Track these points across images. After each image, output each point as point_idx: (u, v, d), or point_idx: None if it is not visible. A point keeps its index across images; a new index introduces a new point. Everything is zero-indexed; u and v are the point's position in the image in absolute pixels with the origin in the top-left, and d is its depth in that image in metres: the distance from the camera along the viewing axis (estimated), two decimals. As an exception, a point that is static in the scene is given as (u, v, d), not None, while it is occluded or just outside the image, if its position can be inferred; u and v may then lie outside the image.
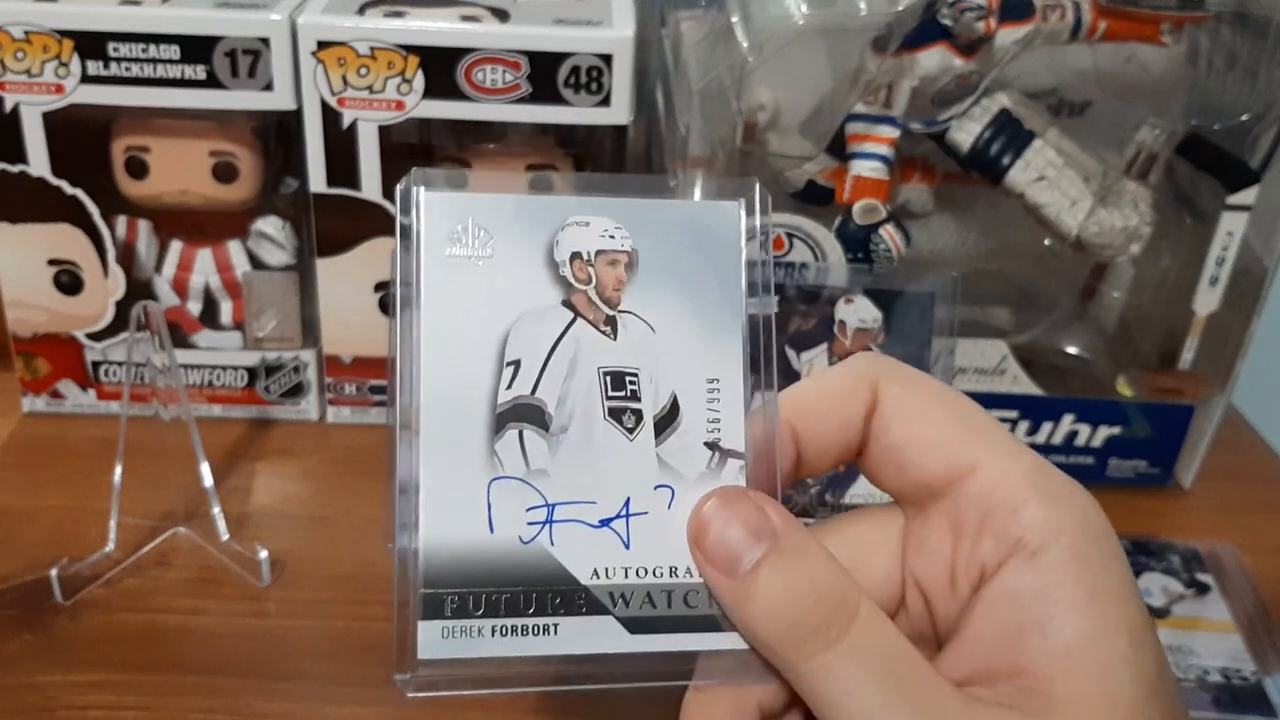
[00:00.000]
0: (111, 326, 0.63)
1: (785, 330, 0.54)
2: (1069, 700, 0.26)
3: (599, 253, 0.32)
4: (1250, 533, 0.60)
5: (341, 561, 0.55)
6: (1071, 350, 0.66)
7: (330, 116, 0.58)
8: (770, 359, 0.32)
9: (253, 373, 0.65)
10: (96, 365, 0.64)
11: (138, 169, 0.60)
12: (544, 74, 0.56)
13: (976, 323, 0.65)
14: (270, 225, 0.63)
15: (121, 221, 0.62)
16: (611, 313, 0.32)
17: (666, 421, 0.31)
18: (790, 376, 0.54)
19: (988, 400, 0.60)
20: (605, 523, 0.31)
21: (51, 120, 0.58)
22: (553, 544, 0.30)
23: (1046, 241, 0.62)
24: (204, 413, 0.65)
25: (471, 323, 0.31)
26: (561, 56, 0.56)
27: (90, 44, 0.56)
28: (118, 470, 0.52)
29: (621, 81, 0.56)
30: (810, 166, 0.59)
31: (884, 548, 0.31)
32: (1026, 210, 0.58)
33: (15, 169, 0.59)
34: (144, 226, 0.63)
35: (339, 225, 0.61)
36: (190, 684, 0.48)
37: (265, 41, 0.56)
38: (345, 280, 0.62)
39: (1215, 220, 0.58)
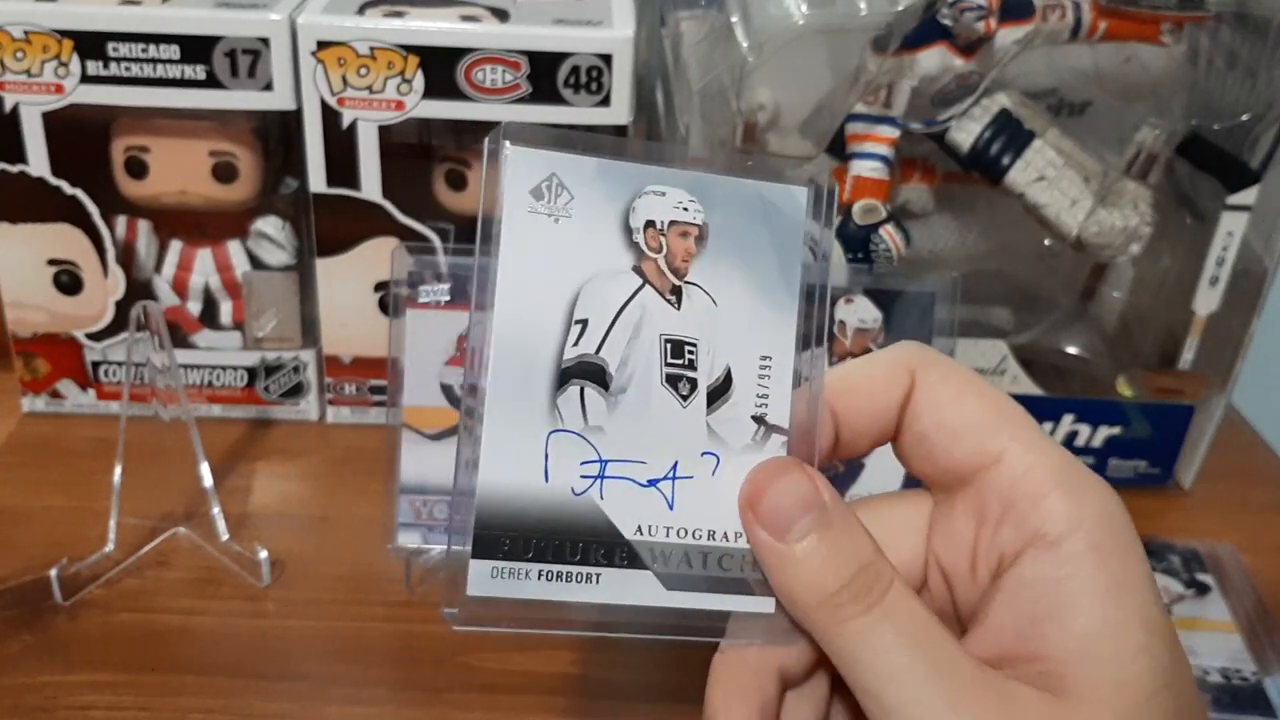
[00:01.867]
0: (111, 326, 0.63)
1: (785, 330, 0.54)
2: (1083, 688, 0.26)
3: (672, 223, 0.32)
4: (1250, 533, 0.60)
5: (341, 561, 0.55)
6: (1071, 350, 0.66)
7: (330, 116, 0.58)
8: (823, 338, 0.33)
9: (252, 373, 0.65)
10: (96, 365, 0.64)
11: (137, 169, 0.60)
12: (544, 74, 0.56)
13: (976, 323, 0.65)
14: (270, 225, 0.63)
15: (121, 221, 0.62)
16: (678, 283, 0.32)
17: (719, 392, 0.33)
18: (790, 376, 0.54)
19: (988, 400, 0.61)
20: (653, 483, 0.32)
21: (51, 120, 0.58)
22: (602, 498, 0.31)
23: (1046, 241, 0.62)
24: (204, 413, 0.65)
25: (545, 278, 0.31)
26: (561, 56, 0.56)
27: (90, 44, 0.56)
28: (117, 470, 0.52)
29: (621, 81, 0.56)
30: (810, 166, 0.59)
31: (911, 530, 0.32)
32: (1026, 210, 0.58)
33: (15, 169, 0.59)
34: (144, 226, 0.63)
35: (339, 225, 0.61)
36: (190, 684, 0.48)
37: (265, 41, 0.56)
38: (345, 280, 0.62)
39: (1215, 220, 0.58)
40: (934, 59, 0.54)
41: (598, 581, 0.32)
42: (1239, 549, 0.58)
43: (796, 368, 0.33)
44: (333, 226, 0.61)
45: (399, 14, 0.57)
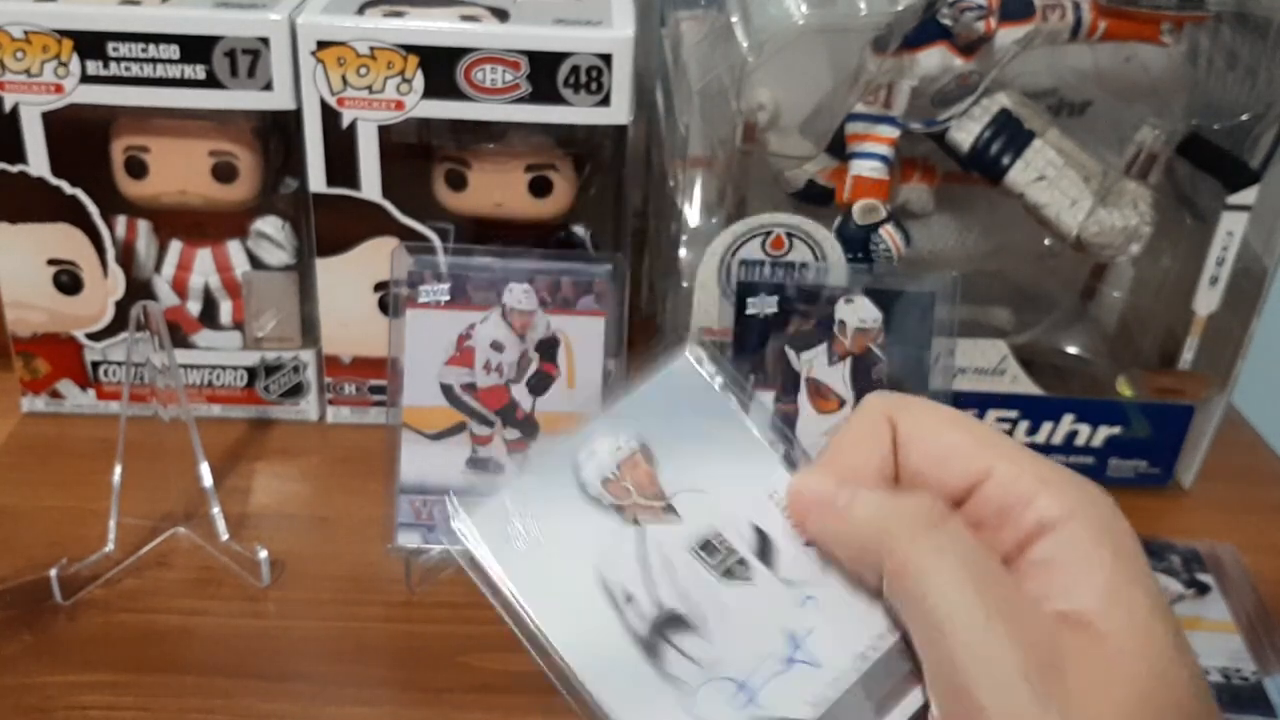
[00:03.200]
0: (111, 326, 0.63)
1: (785, 330, 0.54)
2: (1112, 634, 0.29)
3: (619, 465, 0.34)
4: (1250, 533, 0.60)
5: (341, 561, 0.55)
6: (1071, 350, 0.66)
7: (330, 116, 0.58)
8: (796, 455, 0.35)
9: (252, 373, 0.65)
10: (96, 365, 0.64)
11: (137, 169, 0.60)
12: (544, 74, 0.56)
13: (976, 323, 0.65)
14: (270, 225, 0.62)
15: (121, 221, 0.62)
16: (664, 501, 0.34)
17: (765, 550, 0.34)
18: (790, 376, 0.54)
19: (988, 400, 0.61)
20: (791, 661, 0.33)
21: (51, 120, 0.58)
22: (764, 709, 0.32)
23: (1046, 241, 0.62)
24: (204, 413, 0.65)
25: (567, 590, 0.33)
26: (561, 56, 0.56)
27: (90, 44, 0.56)
28: (117, 470, 0.52)
29: (621, 81, 0.56)
30: (810, 166, 0.59)
31: None
32: (1026, 210, 0.58)
33: (15, 169, 0.59)
34: (144, 226, 0.63)
35: (339, 225, 0.61)
36: (190, 684, 0.48)
37: (265, 41, 0.56)
38: (345, 280, 0.62)
39: (1215, 220, 0.58)
40: (934, 59, 0.54)
41: None
42: (1239, 549, 0.58)
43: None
44: (333, 226, 0.61)
45: (399, 14, 0.57)
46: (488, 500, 0.33)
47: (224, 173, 0.60)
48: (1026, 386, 0.61)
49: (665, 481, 0.34)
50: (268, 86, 0.57)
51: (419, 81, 0.56)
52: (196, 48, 0.56)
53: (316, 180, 0.59)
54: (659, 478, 0.34)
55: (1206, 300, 0.60)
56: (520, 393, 0.54)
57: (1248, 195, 0.57)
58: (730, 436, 0.35)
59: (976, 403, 0.61)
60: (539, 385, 0.54)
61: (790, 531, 0.34)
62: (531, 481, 0.34)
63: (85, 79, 0.57)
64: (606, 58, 0.56)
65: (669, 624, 0.33)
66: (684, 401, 0.35)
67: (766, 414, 0.35)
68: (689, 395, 0.35)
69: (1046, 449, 0.62)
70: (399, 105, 0.57)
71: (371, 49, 0.56)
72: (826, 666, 0.33)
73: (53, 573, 0.52)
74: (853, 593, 0.33)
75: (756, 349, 0.54)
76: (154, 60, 0.56)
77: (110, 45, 0.56)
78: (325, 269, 0.62)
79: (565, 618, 0.32)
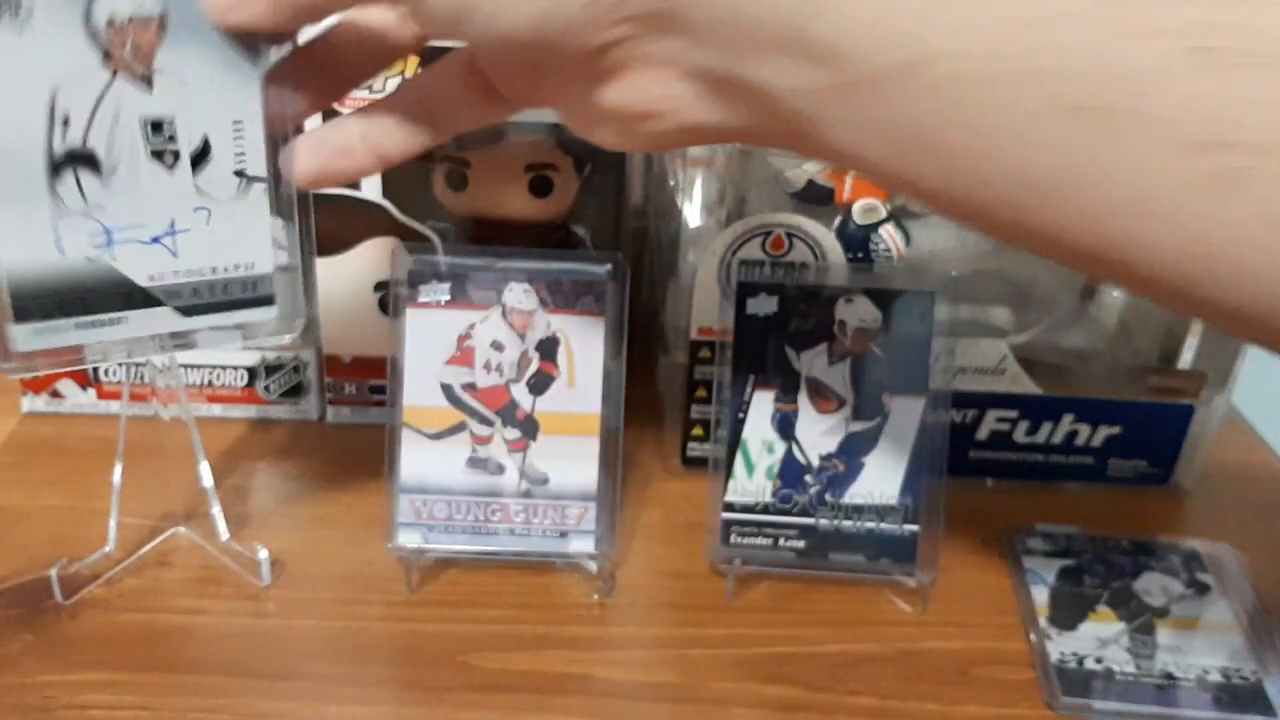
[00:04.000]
0: (111, 326, 0.63)
1: (785, 330, 0.54)
2: None
3: (132, 18, 0.38)
4: (1250, 533, 0.60)
5: (341, 561, 0.55)
6: (1071, 350, 0.66)
7: (330, 116, 0.57)
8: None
9: (252, 372, 0.65)
10: (96, 365, 0.64)
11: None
12: (544, 74, 0.56)
13: (976, 323, 0.65)
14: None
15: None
16: (148, 70, 0.39)
17: (200, 157, 0.40)
18: (790, 376, 0.54)
19: (988, 400, 0.61)
20: (156, 239, 0.41)
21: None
22: (114, 260, 0.40)
23: (1046, 241, 0.62)
24: (204, 412, 0.65)
25: (21, 86, 0.37)
26: (561, 56, 0.56)
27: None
28: (117, 470, 0.52)
29: (621, 81, 0.56)
30: (810, 166, 0.59)
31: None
32: (1026, 210, 0.57)
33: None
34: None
35: (339, 225, 0.61)
36: (190, 684, 0.48)
37: (265, 41, 0.56)
38: (345, 280, 0.62)
39: (1215, 220, 0.58)
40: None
41: (125, 322, 0.41)
42: (1239, 549, 0.58)
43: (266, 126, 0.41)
44: (333, 226, 0.61)
45: (399, 14, 0.57)
46: None
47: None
48: (1026, 386, 0.61)
49: (160, 57, 0.38)
50: (268, 86, 0.57)
51: (419, 81, 0.56)
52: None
53: (317, 180, 0.59)
54: (157, 50, 0.38)
55: (1206, 300, 0.60)
56: (520, 392, 0.54)
57: (1248, 195, 0.57)
58: (237, 57, 0.39)
59: (976, 403, 0.61)
60: (539, 385, 0.54)
61: (226, 160, 0.41)
62: None
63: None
64: (607, 57, 0.56)
65: (82, 159, 0.39)
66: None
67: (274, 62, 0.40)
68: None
69: (1046, 449, 0.62)
70: (399, 105, 0.57)
71: (372, 49, 0.56)
72: (180, 260, 0.41)
73: (53, 572, 0.52)
74: (241, 222, 0.42)
75: (756, 349, 0.54)
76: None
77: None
78: (325, 269, 0.62)
79: (6, 107, 0.37)
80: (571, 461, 0.54)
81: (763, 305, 0.54)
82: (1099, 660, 0.51)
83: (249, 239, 0.43)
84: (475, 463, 0.54)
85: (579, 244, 0.64)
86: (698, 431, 0.62)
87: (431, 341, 0.54)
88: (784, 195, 0.60)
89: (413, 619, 0.52)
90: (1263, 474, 0.67)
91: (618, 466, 0.55)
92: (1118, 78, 0.23)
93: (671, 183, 0.63)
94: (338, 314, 0.63)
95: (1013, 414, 0.61)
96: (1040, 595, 0.55)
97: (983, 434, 0.62)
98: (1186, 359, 0.61)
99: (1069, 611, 0.54)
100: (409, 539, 0.54)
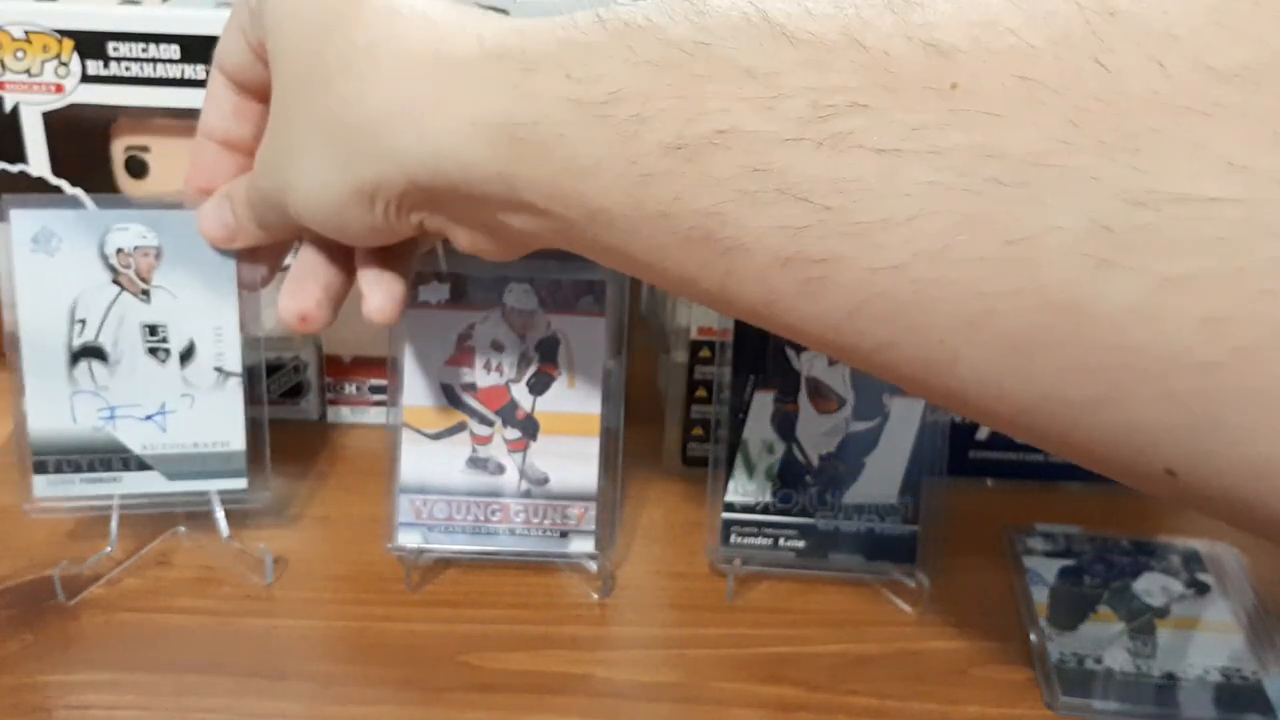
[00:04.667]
0: (111, 326, 0.64)
1: (785, 330, 0.54)
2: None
3: (136, 248, 0.50)
4: (1250, 533, 0.60)
5: (341, 561, 0.55)
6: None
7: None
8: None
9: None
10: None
11: (138, 169, 0.60)
12: (544, 74, 0.56)
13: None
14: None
15: (121, 221, 0.62)
16: (147, 287, 0.51)
17: (187, 355, 0.52)
18: (790, 376, 0.54)
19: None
20: (149, 417, 0.52)
21: (51, 120, 0.58)
22: (116, 430, 0.52)
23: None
24: (204, 412, 0.65)
25: (50, 296, 0.50)
26: (561, 56, 0.56)
27: (90, 44, 0.56)
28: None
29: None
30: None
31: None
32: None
33: (15, 169, 0.59)
34: (144, 226, 0.63)
35: (339, 225, 0.61)
36: (191, 683, 0.48)
37: (265, 41, 0.56)
38: (345, 280, 0.62)
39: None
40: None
41: (121, 481, 0.52)
42: (1239, 549, 0.58)
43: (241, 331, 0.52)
44: (333, 226, 0.61)
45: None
46: (41, 210, 0.50)
47: (224, 173, 0.60)
48: (1026, 386, 0.61)
49: (157, 277, 0.51)
50: (268, 86, 0.57)
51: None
52: (197, 47, 0.56)
53: (317, 180, 0.59)
54: (155, 272, 0.51)
55: (1206, 300, 0.60)
56: (520, 393, 0.54)
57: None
58: (218, 277, 0.51)
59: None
60: (539, 385, 0.54)
61: (209, 358, 0.52)
62: (71, 215, 0.50)
63: (85, 79, 0.57)
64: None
65: (94, 352, 0.51)
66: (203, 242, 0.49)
67: (256, 275, 0.51)
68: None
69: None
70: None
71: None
72: (168, 435, 0.52)
73: (55, 572, 0.52)
74: (219, 407, 0.52)
75: (756, 349, 0.54)
76: (154, 60, 0.56)
77: (111, 45, 0.56)
78: (325, 269, 0.62)
79: (35, 309, 0.50)
80: (571, 461, 0.54)
81: (763, 305, 0.54)
82: (1099, 660, 0.51)
83: (225, 421, 0.53)
84: (475, 463, 0.54)
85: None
86: (698, 431, 0.62)
87: (432, 341, 0.54)
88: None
89: (413, 619, 0.52)
90: (1263, 474, 0.67)
91: (618, 466, 0.55)
92: (709, 219, 0.30)
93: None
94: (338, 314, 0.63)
95: (1013, 414, 0.61)
96: (1040, 595, 0.55)
97: (983, 434, 0.62)
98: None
99: (1069, 611, 0.54)
100: (409, 539, 0.54)
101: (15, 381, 0.51)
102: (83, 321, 0.50)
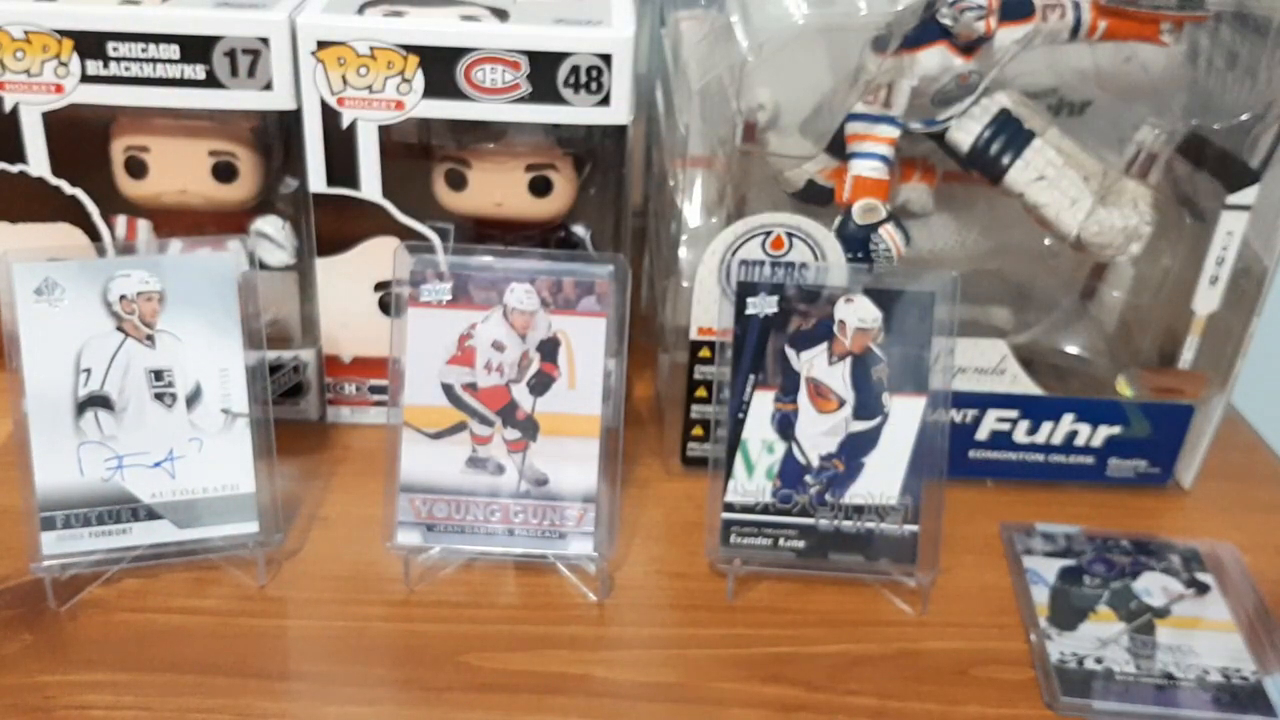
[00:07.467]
0: (111, 326, 0.64)
1: (785, 330, 0.54)
2: None
3: (139, 293, 0.51)
4: (1250, 533, 0.60)
5: (341, 561, 0.55)
6: (1071, 350, 0.66)
7: (330, 116, 0.58)
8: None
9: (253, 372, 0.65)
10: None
11: (137, 169, 0.60)
12: (544, 73, 0.56)
13: (976, 323, 0.65)
14: (270, 225, 0.62)
15: (121, 221, 0.62)
16: (151, 332, 0.51)
17: (193, 399, 0.52)
18: (790, 376, 0.54)
19: (988, 400, 0.61)
20: (158, 464, 0.51)
21: (51, 120, 0.58)
22: (124, 480, 0.51)
23: (1047, 241, 0.62)
24: (204, 413, 0.65)
25: (55, 347, 0.50)
26: (561, 56, 0.56)
27: (90, 44, 0.56)
28: (117, 470, 0.52)
29: (621, 81, 0.56)
30: (810, 166, 0.59)
31: None
32: (1026, 210, 0.58)
33: (15, 169, 0.59)
34: (143, 226, 0.62)
35: (339, 225, 0.61)
36: (190, 684, 0.48)
37: (265, 41, 0.56)
38: (345, 280, 0.62)
39: (1215, 220, 0.58)
40: (934, 59, 0.54)
41: (131, 532, 0.52)
42: (1239, 549, 0.58)
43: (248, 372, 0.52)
44: (333, 226, 0.61)
45: (399, 14, 0.57)
46: (46, 266, 0.50)
47: (224, 172, 0.60)
48: (1026, 386, 0.61)
49: (161, 321, 0.51)
50: (268, 86, 0.57)
51: (419, 81, 0.56)
52: (196, 48, 0.56)
53: (316, 180, 0.59)
54: (159, 317, 0.51)
55: (1206, 300, 0.60)
56: (521, 393, 0.54)
57: (1247, 195, 0.57)
58: (223, 320, 0.51)
59: (976, 402, 0.61)
60: (539, 385, 0.54)
61: (215, 400, 0.52)
62: (75, 264, 0.50)
63: (85, 79, 0.57)
64: (606, 58, 0.56)
65: (99, 401, 0.51)
66: (210, 280, 0.51)
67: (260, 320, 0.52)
68: (216, 278, 0.51)
69: (1046, 449, 0.62)
70: (399, 105, 0.57)
71: (371, 49, 0.56)
72: (177, 481, 0.52)
73: (46, 577, 0.51)
74: (228, 450, 0.52)
75: (756, 349, 0.54)
76: (154, 60, 0.56)
77: (110, 45, 0.56)
78: (325, 269, 0.62)
79: (40, 361, 0.50)
80: (571, 462, 0.54)
81: (763, 305, 0.54)
82: (1099, 660, 0.51)
83: (235, 464, 0.52)
84: (475, 463, 0.54)
85: (579, 244, 0.64)
86: (698, 431, 0.62)
87: (432, 341, 0.54)
88: (784, 195, 0.60)
89: (413, 619, 0.52)
90: (1263, 474, 0.67)
91: (617, 467, 0.54)
92: None
93: (671, 183, 0.63)
94: (338, 314, 0.63)
95: (1013, 414, 0.61)
96: (1040, 595, 0.55)
97: (983, 434, 0.62)
98: (1186, 359, 0.61)
99: (1069, 611, 0.54)
100: (409, 539, 0.54)
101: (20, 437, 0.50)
102: (88, 371, 0.50)
